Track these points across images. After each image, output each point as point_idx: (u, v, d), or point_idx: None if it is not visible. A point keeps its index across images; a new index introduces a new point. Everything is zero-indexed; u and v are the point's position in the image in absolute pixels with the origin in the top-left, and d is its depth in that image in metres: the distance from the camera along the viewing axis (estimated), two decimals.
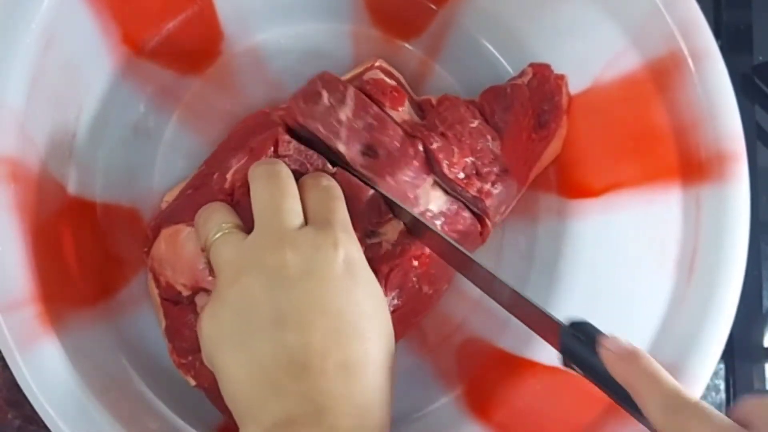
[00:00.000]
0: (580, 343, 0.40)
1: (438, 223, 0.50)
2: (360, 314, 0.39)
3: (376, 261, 0.48)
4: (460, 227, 0.51)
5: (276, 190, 0.42)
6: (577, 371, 0.41)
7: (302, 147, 0.47)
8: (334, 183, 0.45)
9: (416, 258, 0.49)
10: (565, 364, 0.42)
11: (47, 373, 0.42)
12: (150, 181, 0.54)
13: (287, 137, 0.47)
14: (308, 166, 0.47)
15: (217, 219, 0.43)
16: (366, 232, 0.48)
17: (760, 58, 0.63)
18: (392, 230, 0.48)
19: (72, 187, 0.49)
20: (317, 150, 0.48)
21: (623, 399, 0.38)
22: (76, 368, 0.43)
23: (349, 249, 0.40)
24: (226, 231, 0.42)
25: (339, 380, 0.37)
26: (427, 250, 0.50)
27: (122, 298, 0.51)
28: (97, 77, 0.50)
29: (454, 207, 0.50)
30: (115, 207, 0.52)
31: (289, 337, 0.37)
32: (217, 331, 0.39)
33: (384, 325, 0.41)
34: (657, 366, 0.38)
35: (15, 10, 0.43)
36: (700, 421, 0.34)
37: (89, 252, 0.50)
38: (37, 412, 0.42)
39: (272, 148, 0.47)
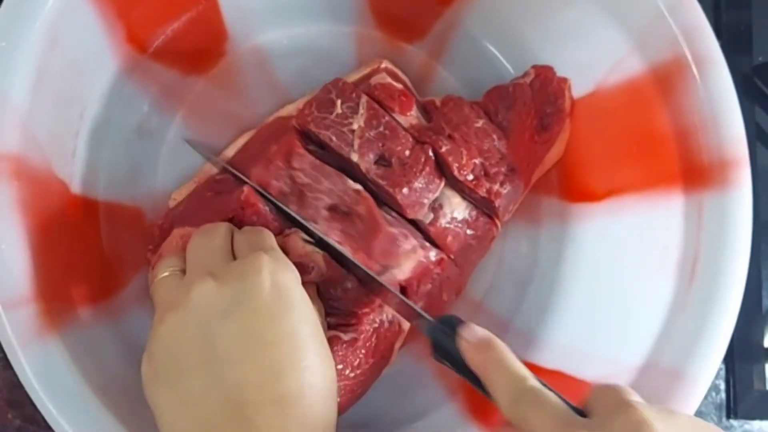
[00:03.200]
0: (446, 336, 0.40)
1: (462, 229, 0.51)
2: (295, 342, 0.37)
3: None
4: (479, 233, 0.52)
5: (206, 236, 0.42)
6: (448, 366, 0.41)
7: (318, 162, 0.48)
8: (261, 227, 0.45)
9: (437, 264, 0.50)
10: (437, 359, 0.42)
11: (48, 370, 0.42)
12: (153, 180, 0.54)
13: (302, 150, 0.48)
14: (323, 180, 0.48)
15: (166, 262, 0.43)
16: (382, 268, 0.48)
17: (760, 58, 0.63)
18: (408, 263, 0.49)
19: (75, 186, 0.49)
20: (332, 164, 0.48)
21: (485, 391, 0.38)
22: (77, 366, 0.44)
23: (276, 273, 0.39)
24: (167, 273, 0.42)
25: (275, 415, 0.35)
26: (446, 257, 0.50)
27: (123, 297, 0.51)
28: (101, 76, 0.50)
29: (474, 213, 0.51)
30: (118, 206, 0.52)
31: (221, 375, 0.36)
32: (151, 370, 0.38)
33: (321, 351, 0.39)
34: (508, 354, 0.38)
35: (20, 7, 0.43)
36: (539, 408, 0.35)
37: (91, 251, 0.50)
38: (38, 408, 0.42)
39: (286, 157, 0.48)
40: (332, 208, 0.48)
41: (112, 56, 0.50)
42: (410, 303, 0.43)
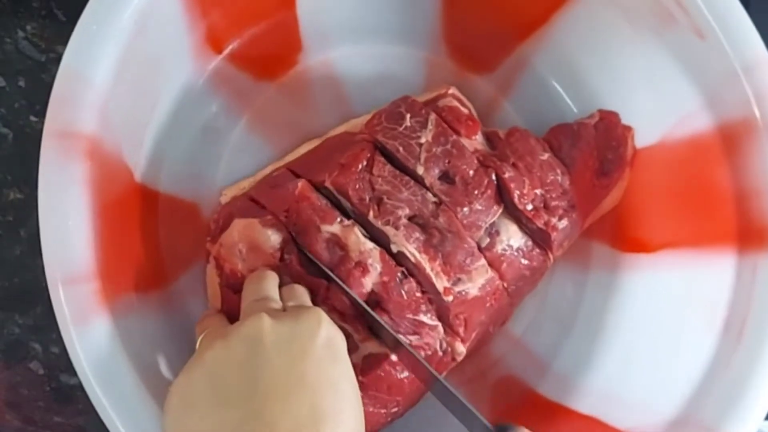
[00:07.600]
0: None
1: (517, 258, 0.51)
2: (336, 393, 0.37)
3: (462, 305, 0.49)
4: (534, 264, 0.52)
5: (258, 283, 0.44)
6: None
7: (397, 171, 0.49)
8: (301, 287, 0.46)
9: (492, 295, 0.50)
10: None
11: (97, 348, 0.43)
12: (213, 179, 0.55)
13: (382, 158, 0.49)
14: (402, 188, 0.48)
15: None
16: (455, 280, 0.49)
17: None
18: (480, 279, 0.49)
19: (139, 175, 0.50)
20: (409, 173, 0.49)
21: None
22: (124, 348, 0.44)
23: (331, 330, 0.40)
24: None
25: None
26: (500, 287, 0.50)
27: (173, 290, 0.52)
28: (177, 72, 0.52)
29: (530, 243, 0.51)
30: (177, 200, 0.53)
31: (259, 410, 0.35)
32: (184, 397, 0.37)
33: (357, 411, 0.38)
34: None
35: None
36: None
37: (148, 240, 0.50)
38: (82, 383, 0.43)
39: (365, 163, 0.48)
40: (412, 218, 0.48)
41: (189, 53, 0.51)
42: (471, 407, 0.44)
